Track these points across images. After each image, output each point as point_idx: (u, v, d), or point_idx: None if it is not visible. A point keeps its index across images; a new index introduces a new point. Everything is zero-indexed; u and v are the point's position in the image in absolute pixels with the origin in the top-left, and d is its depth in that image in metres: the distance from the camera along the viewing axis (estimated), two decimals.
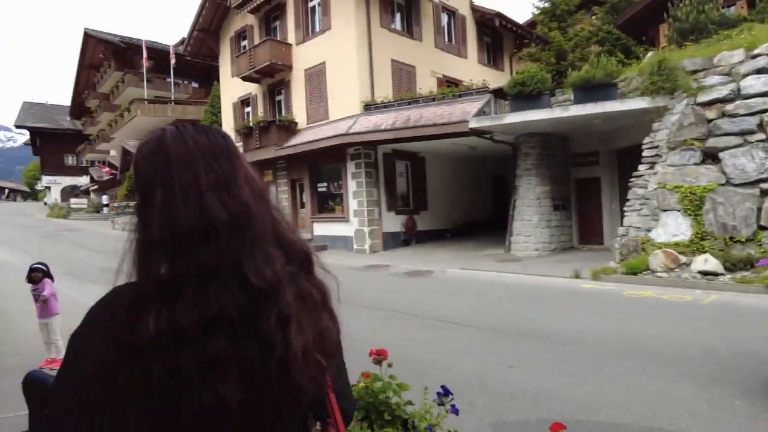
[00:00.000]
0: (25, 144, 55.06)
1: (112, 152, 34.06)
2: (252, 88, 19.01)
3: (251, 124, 17.22)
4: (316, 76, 16.02)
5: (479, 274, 10.50)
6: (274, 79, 17.79)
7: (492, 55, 19.80)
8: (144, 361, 0.68)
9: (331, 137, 13.86)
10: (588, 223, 14.07)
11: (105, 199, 38.58)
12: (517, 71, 11.58)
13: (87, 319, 0.75)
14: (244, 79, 18.06)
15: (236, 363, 0.70)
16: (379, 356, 1.71)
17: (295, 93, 17.10)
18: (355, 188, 15.04)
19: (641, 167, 9.83)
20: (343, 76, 14.95)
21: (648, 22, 17.95)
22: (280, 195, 18.01)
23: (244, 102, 20.04)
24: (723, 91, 8.75)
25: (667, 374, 4.24)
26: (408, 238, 16.02)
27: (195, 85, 33.94)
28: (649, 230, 9.47)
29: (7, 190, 61.88)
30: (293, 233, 0.85)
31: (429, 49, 16.54)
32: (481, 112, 11.95)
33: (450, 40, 17.68)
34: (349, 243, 15.50)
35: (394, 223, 15.54)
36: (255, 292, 0.73)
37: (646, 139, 9.75)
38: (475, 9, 18.36)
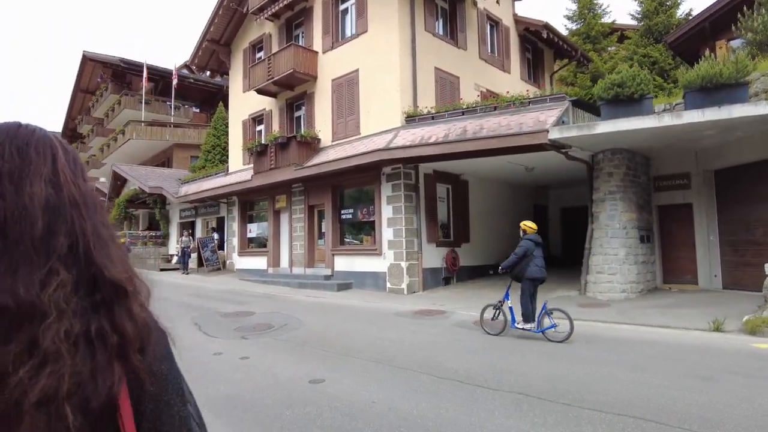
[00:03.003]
0: None
1: (102, 179, 31.56)
2: (267, 104, 16.89)
3: (266, 141, 14.99)
4: (347, 86, 13.93)
5: (579, 326, 8.02)
6: (294, 92, 15.69)
7: (533, 71, 18.02)
8: None
9: (369, 152, 11.60)
10: (674, 258, 11.75)
11: None
12: (616, 71, 9.53)
13: None
14: (260, 92, 15.96)
15: None
16: None
17: (318, 107, 14.98)
18: (390, 214, 12.69)
19: None
20: (381, 85, 12.86)
21: (704, 38, 16.44)
22: (295, 223, 15.58)
23: (257, 119, 17.87)
24: None
25: None
26: (449, 275, 13.59)
27: (195, 109, 32.08)
28: None
29: None
30: (114, 261, 0.67)
31: (473, 59, 14.64)
32: (559, 122, 9.83)
33: (493, 51, 15.84)
34: (380, 281, 13.00)
35: (434, 257, 13.11)
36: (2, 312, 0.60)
37: None
38: (519, 21, 16.66)
